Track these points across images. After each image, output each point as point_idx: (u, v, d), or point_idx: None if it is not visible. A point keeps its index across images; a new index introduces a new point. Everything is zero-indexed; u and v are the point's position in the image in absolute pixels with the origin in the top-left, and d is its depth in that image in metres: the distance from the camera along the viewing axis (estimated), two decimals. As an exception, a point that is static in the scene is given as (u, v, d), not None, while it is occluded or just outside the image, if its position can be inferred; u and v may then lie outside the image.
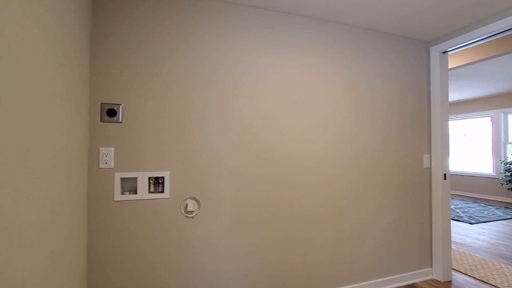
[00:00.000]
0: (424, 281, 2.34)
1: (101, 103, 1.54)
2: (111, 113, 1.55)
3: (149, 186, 1.62)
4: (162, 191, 1.65)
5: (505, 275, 2.44)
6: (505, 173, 5.61)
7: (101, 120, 1.54)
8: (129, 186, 1.59)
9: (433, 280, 2.35)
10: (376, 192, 2.22)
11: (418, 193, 2.39)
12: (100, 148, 1.53)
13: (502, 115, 6.09)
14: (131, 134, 1.59)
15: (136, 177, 1.60)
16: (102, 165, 1.53)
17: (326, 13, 1.97)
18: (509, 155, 5.99)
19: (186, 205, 1.67)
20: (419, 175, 2.40)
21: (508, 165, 5.60)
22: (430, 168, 2.44)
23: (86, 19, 1.39)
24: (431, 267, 2.42)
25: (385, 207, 2.25)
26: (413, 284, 2.29)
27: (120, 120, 1.57)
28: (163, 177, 1.64)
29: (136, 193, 1.59)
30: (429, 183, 2.44)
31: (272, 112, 1.91)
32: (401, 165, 2.33)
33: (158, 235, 1.62)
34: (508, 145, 6.03)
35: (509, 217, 4.58)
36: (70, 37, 1.08)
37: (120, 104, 1.57)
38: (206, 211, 1.72)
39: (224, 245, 1.75)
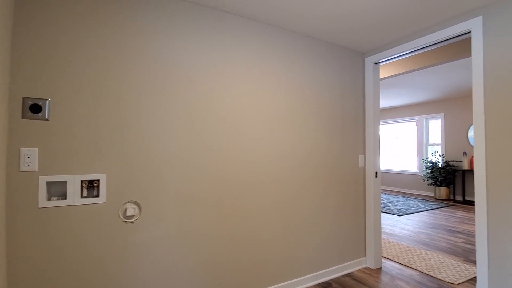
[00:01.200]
0: (359, 269, 2.58)
1: (23, 98, 1.36)
2: (36, 108, 1.38)
3: (82, 190, 1.48)
4: (98, 195, 1.52)
5: (424, 259, 2.83)
6: (426, 170, 6.49)
7: (23, 117, 1.36)
8: (57, 190, 1.43)
9: (366, 268, 2.61)
10: (320, 190, 2.38)
11: (354, 190, 2.63)
12: (21, 149, 1.34)
13: (424, 120, 7.03)
14: (60, 133, 1.43)
15: (66, 181, 1.44)
16: (23, 168, 1.34)
17: (276, 18, 2.04)
18: (429, 155, 6.95)
19: (125, 210, 1.56)
20: (355, 174, 2.64)
21: (428, 164, 6.49)
22: (364, 167, 2.71)
23: (7, 2, 1.21)
24: (365, 256, 2.68)
25: (327, 204, 2.42)
26: (349, 273, 2.51)
27: (46, 117, 1.40)
28: (98, 180, 1.52)
29: (65, 199, 1.44)
30: (364, 180, 2.70)
31: (219, 112, 1.90)
32: (342, 165, 2.54)
33: (93, 244, 1.49)
34: (429, 146, 6.99)
35: (429, 208, 5.31)
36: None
37: (47, 99, 1.40)
38: (149, 215, 1.63)
39: (168, 248, 1.69)
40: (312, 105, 2.37)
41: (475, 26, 1.90)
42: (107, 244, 1.52)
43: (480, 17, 1.87)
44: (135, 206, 1.59)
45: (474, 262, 2.77)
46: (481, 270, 1.86)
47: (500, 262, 1.79)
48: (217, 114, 1.89)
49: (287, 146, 2.21)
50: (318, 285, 2.30)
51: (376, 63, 2.68)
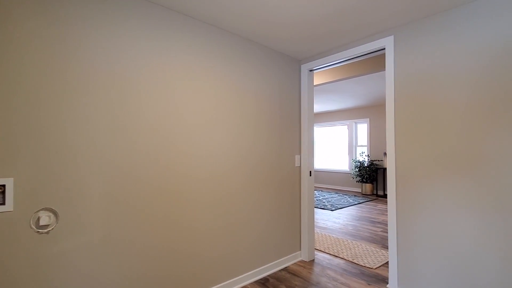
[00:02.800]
0: (294, 263, 2.75)
1: None
2: None
3: (-22, 198, 1.24)
4: (3, 203, 1.30)
5: (350, 249, 3.16)
6: (355, 169, 7.25)
7: None
8: None
9: (301, 261, 2.79)
10: (259, 189, 2.45)
11: (291, 188, 2.79)
12: None
13: (354, 124, 7.85)
14: None
15: (-44, 187, 1.20)
16: None
17: (219, 20, 2.04)
18: (358, 155, 7.78)
19: (38, 218, 1.37)
20: (292, 173, 2.80)
21: (356, 163, 7.26)
22: (300, 166, 2.90)
23: None
24: (300, 250, 2.86)
25: (266, 201, 2.51)
26: (286, 267, 2.65)
27: None
28: (3, 185, 1.30)
29: (-46, 209, 1.19)
30: (299, 179, 2.89)
31: (153, 112, 1.81)
32: (280, 164, 2.66)
33: (1, 259, 1.26)
34: (358, 147, 7.83)
35: (356, 203, 5.94)
36: None
37: None
38: (68, 223, 1.46)
39: (92, 258, 1.54)
40: (252, 107, 2.43)
41: (388, 43, 2.21)
42: (20, 257, 1.31)
43: (392, 37, 2.19)
44: (50, 214, 1.40)
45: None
46: (392, 254, 2.17)
47: (406, 246, 2.11)
48: (151, 115, 1.80)
49: (225, 146, 2.22)
50: (256, 282, 2.37)
51: (310, 70, 2.89)
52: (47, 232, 1.40)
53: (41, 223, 1.37)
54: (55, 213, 1.42)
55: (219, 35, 2.19)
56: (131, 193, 1.69)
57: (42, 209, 1.38)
